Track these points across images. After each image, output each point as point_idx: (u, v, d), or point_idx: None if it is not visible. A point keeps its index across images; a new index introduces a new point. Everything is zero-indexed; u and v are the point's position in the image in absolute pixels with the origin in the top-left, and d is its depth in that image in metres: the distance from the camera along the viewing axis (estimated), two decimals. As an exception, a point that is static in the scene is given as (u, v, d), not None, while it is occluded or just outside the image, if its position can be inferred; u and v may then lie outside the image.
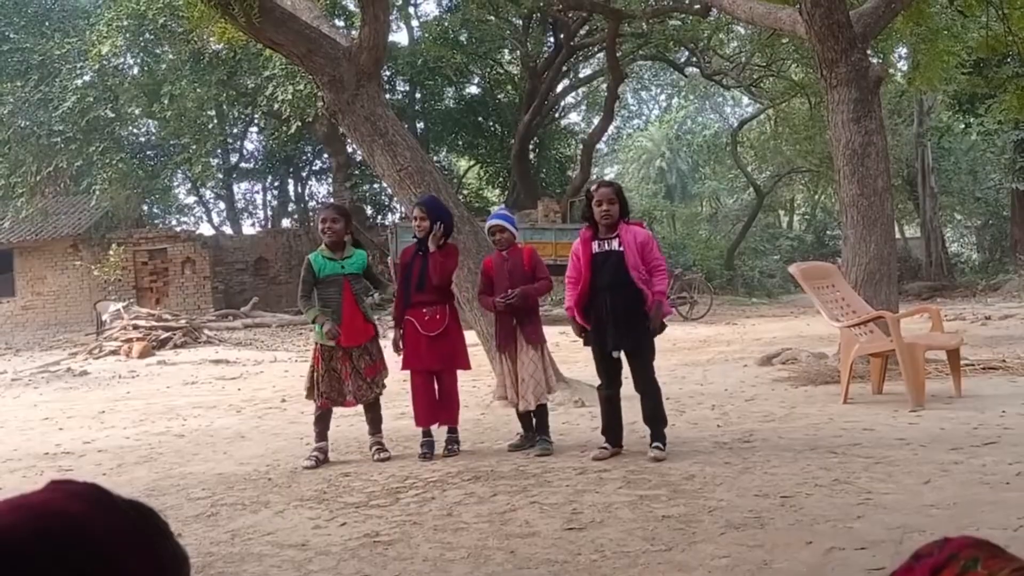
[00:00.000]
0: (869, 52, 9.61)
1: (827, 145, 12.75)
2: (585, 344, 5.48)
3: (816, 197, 37.34)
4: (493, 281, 5.83)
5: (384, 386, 5.99)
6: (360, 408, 6.02)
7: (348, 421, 6.79)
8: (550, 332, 6.64)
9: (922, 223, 29.63)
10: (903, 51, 21.24)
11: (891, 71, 20.26)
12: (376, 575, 3.45)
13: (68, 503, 0.64)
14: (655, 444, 5.22)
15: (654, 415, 5.29)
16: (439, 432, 5.86)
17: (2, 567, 0.60)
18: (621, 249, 5.21)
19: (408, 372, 5.87)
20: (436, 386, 5.84)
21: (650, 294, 5.19)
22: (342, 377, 5.73)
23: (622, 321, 5.20)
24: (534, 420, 5.79)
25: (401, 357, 5.86)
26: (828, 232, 35.01)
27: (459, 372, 5.96)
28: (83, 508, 0.65)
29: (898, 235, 28.29)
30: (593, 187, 5.49)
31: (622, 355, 5.33)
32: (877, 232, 8.24)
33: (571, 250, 5.53)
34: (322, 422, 5.84)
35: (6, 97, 20.33)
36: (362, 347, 5.78)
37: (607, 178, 38.61)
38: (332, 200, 26.15)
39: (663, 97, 39.02)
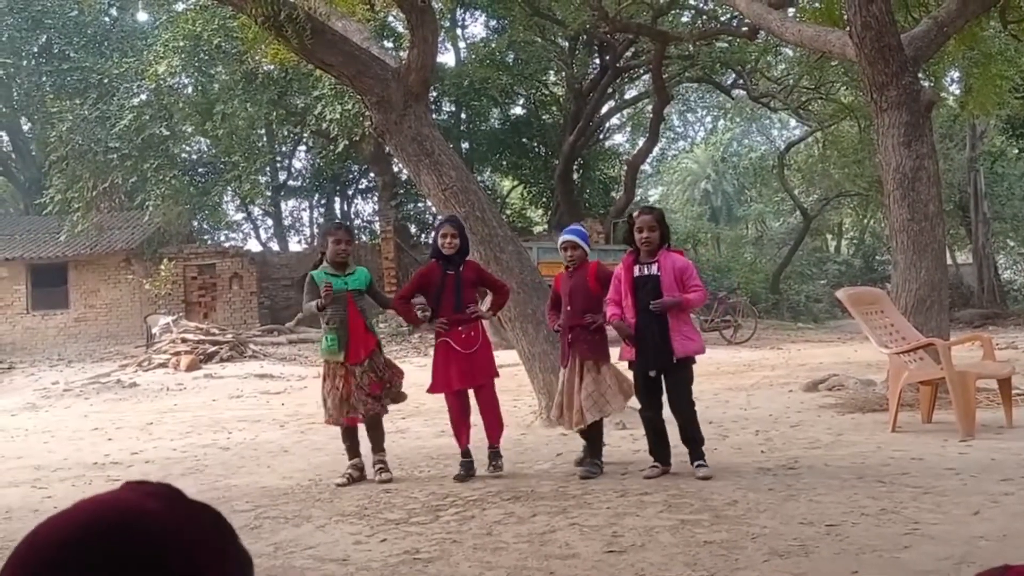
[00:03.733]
0: (920, 76, 9.49)
1: (876, 169, 12.59)
2: (628, 343, 5.43)
3: (865, 221, 36.76)
4: (560, 299, 5.85)
5: (397, 398, 5.98)
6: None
7: (389, 439, 6.83)
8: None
9: (974, 249, 29.03)
10: (956, 75, 20.92)
11: (943, 95, 19.97)
12: (416, 592, 3.46)
13: (145, 500, 0.68)
14: (697, 463, 5.28)
15: (690, 436, 5.36)
16: (478, 452, 5.85)
17: (86, 558, 0.63)
18: (659, 274, 5.32)
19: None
20: (472, 402, 5.85)
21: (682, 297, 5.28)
22: (344, 395, 5.71)
23: (658, 342, 5.28)
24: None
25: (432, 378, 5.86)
26: (877, 257, 34.42)
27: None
28: (160, 505, 0.68)
29: (949, 261, 27.70)
30: (635, 213, 5.57)
31: (662, 378, 5.39)
32: (928, 258, 8.09)
33: (614, 274, 5.58)
34: (350, 438, 5.85)
35: (65, 115, 20.89)
36: (365, 364, 5.75)
37: (651, 200, 38.57)
38: (378, 219, 26.44)
39: (709, 119, 38.75)
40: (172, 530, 0.67)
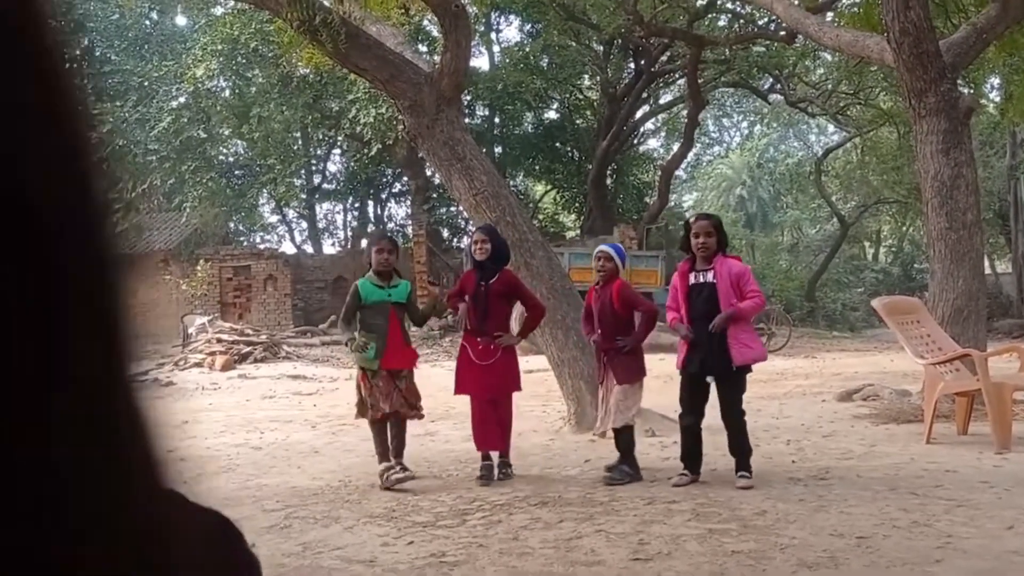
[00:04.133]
0: (960, 82, 9.35)
1: (916, 176, 12.45)
2: (684, 337, 5.42)
3: (904, 229, 36.20)
4: (592, 312, 5.87)
5: (422, 415, 6.07)
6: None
7: (418, 441, 6.86)
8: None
9: (1014, 259, 28.52)
10: (996, 81, 20.56)
11: (983, 102, 19.65)
12: (441, 595, 3.47)
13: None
14: (740, 473, 5.27)
15: (738, 446, 5.35)
16: (496, 456, 5.90)
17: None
18: (714, 281, 5.29)
19: (467, 396, 6.00)
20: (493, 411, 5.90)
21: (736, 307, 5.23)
22: (385, 393, 5.78)
23: (715, 349, 5.25)
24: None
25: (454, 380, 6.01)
26: (915, 266, 33.87)
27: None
28: (161, 508, 0.70)
29: (988, 270, 27.20)
30: (692, 219, 5.57)
31: (711, 385, 5.38)
32: (966, 267, 7.96)
33: (671, 283, 5.62)
34: (382, 436, 5.89)
35: (105, 116, 21.29)
36: (404, 373, 5.88)
37: (685, 206, 38.36)
38: (411, 222, 26.58)
39: (745, 124, 38.49)
40: (174, 532, 0.69)
